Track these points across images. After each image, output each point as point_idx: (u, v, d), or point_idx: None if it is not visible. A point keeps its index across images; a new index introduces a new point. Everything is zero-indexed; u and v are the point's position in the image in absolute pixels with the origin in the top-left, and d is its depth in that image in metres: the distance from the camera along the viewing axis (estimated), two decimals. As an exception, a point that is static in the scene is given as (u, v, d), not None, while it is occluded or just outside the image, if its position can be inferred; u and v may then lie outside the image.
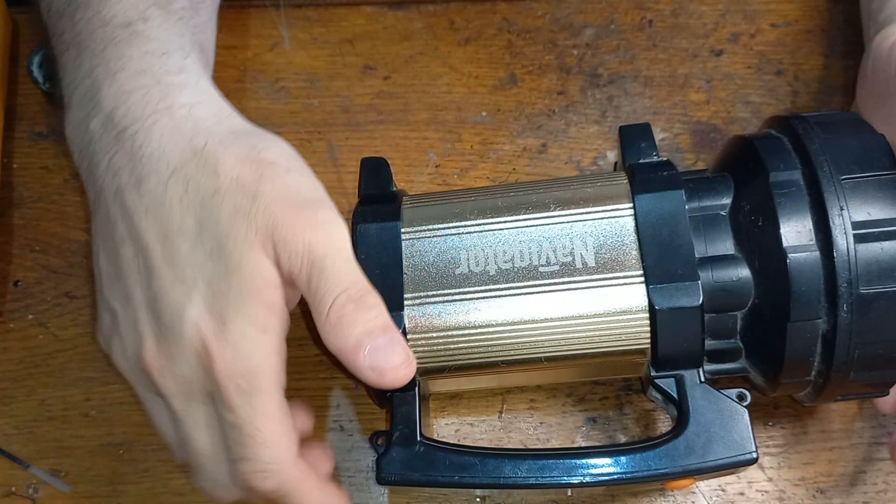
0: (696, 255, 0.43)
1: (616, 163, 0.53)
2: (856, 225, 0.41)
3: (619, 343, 0.43)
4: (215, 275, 0.39)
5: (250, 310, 0.39)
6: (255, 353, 0.39)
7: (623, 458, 0.43)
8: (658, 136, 0.58)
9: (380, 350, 0.39)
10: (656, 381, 0.44)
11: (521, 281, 0.43)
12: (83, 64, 0.43)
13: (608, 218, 0.44)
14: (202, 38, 0.47)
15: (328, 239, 0.39)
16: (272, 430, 0.39)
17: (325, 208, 0.40)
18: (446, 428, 0.52)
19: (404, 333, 0.43)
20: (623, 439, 0.51)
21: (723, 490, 0.50)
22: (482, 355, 0.44)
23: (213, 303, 0.39)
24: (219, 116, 0.42)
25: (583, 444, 0.51)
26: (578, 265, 0.43)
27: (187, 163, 0.40)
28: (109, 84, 0.42)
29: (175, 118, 0.41)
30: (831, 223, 0.41)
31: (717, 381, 0.47)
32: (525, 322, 0.43)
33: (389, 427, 0.44)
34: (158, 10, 0.44)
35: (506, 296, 0.43)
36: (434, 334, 0.43)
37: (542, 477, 0.43)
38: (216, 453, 0.41)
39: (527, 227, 0.44)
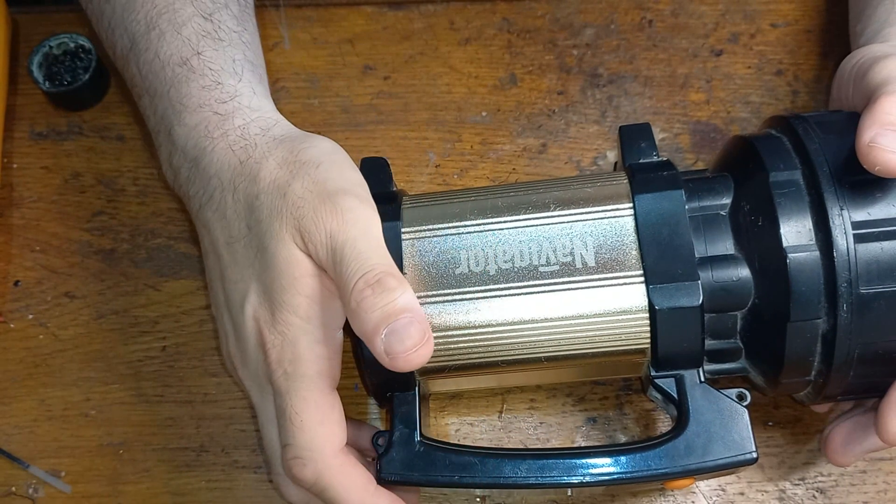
0: (696, 255, 0.43)
1: (616, 163, 0.53)
2: (856, 225, 0.41)
3: (619, 343, 0.43)
4: (262, 270, 0.42)
5: (293, 300, 0.41)
6: (300, 339, 0.41)
7: (623, 458, 0.43)
8: (658, 136, 0.58)
9: (394, 334, 0.39)
10: (656, 381, 0.44)
11: (520, 281, 0.43)
12: (157, 109, 0.48)
13: (608, 218, 0.44)
14: (252, 54, 0.50)
15: (347, 225, 0.41)
16: (311, 415, 0.41)
17: (349, 196, 0.42)
18: (446, 428, 0.52)
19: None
20: (623, 439, 0.51)
21: (723, 490, 0.50)
22: (482, 355, 0.44)
23: (265, 296, 0.42)
24: (267, 128, 0.45)
25: (583, 444, 0.51)
26: (578, 265, 0.43)
27: (236, 176, 0.44)
28: (178, 123, 0.46)
29: (229, 140, 0.45)
30: (831, 223, 0.41)
31: (717, 381, 0.47)
32: (525, 322, 0.43)
33: (389, 427, 0.44)
34: (209, 42, 0.48)
35: (506, 296, 0.43)
36: (434, 334, 0.43)
37: (542, 477, 0.43)
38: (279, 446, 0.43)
39: (527, 227, 0.44)
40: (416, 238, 0.45)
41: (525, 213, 0.45)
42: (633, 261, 0.43)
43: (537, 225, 0.44)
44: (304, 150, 0.43)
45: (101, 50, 0.60)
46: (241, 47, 0.49)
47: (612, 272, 0.43)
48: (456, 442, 0.51)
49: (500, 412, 0.52)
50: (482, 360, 0.44)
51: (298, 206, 0.41)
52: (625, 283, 0.43)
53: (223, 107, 0.46)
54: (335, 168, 0.43)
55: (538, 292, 0.43)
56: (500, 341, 0.43)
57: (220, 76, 0.47)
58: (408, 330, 0.39)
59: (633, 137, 0.47)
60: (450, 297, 0.43)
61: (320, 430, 0.41)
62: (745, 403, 0.43)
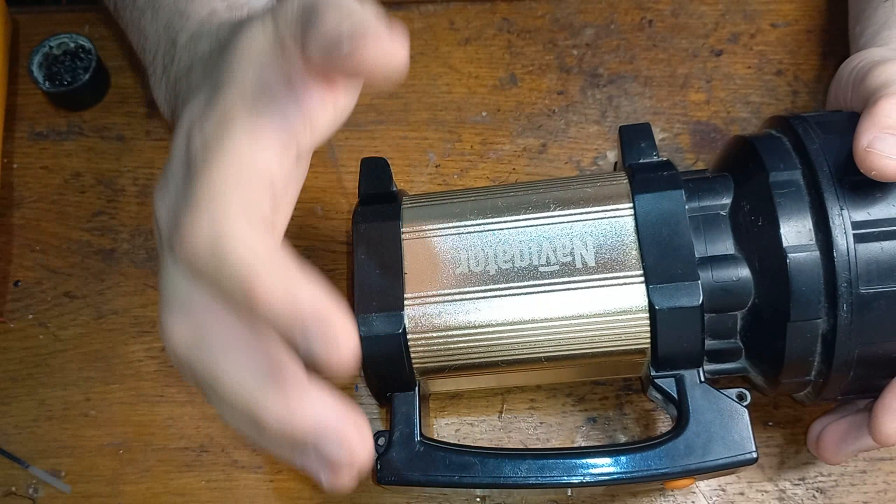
0: (696, 255, 0.43)
1: (616, 163, 0.53)
2: (856, 225, 0.41)
3: (619, 343, 0.43)
4: (213, 75, 0.34)
5: (237, 76, 0.33)
6: (232, 110, 0.32)
7: (623, 458, 0.43)
8: (658, 136, 0.58)
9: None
10: (656, 380, 0.44)
11: (521, 281, 0.43)
12: (159, 18, 0.44)
13: (608, 218, 0.44)
14: None
15: None
16: (226, 159, 0.31)
17: None
18: (446, 428, 0.52)
19: (404, 333, 0.43)
20: (623, 439, 0.51)
21: (723, 490, 0.50)
22: (482, 355, 0.44)
23: (207, 96, 0.34)
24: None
25: (583, 444, 0.51)
26: (578, 265, 0.43)
27: (221, 29, 0.39)
28: (182, 17, 0.42)
29: (232, 16, 0.41)
30: (831, 223, 0.41)
31: (717, 381, 0.47)
32: (525, 322, 0.43)
33: (389, 427, 0.44)
34: None
35: (506, 296, 0.43)
36: (434, 334, 0.43)
37: (542, 477, 0.43)
38: None
39: (527, 226, 0.44)
40: (416, 238, 0.45)
41: (525, 213, 0.45)
42: (633, 261, 0.43)
43: (537, 225, 0.44)
44: None
45: (101, 50, 0.60)
46: None
47: (612, 272, 0.43)
48: (456, 442, 0.51)
49: (500, 412, 0.52)
50: (482, 360, 0.44)
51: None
52: (625, 283, 0.43)
53: (236, 1, 0.42)
54: None
55: (538, 292, 0.43)
56: (500, 341, 0.43)
57: None
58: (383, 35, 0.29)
59: (633, 137, 0.47)
60: (450, 297, 0.43)
61: (239, 187, 0.30)
62: (745, 403, 0.43)
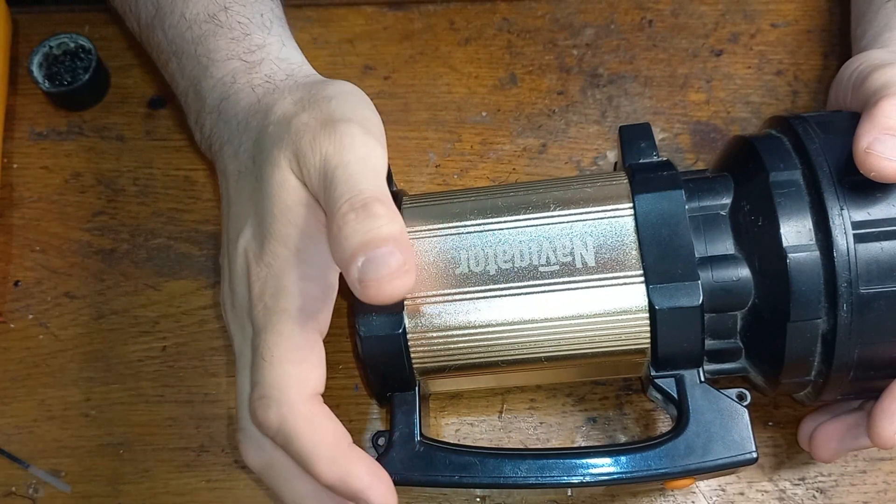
0: (696, 255, 0.43)
1: (616, 163, 0.53)
2: (856, 225, 0.41)
3: (618, 343, 0.43)
4: (258, 201, 0.40)
5: (282, 229, 0.38)
6: (285, 272, 0.38)
7: (623, 458, 0.43)
8: (658, 136, 0.58)
9: (372, 262, 0.34)
10: (656, 380, 0.44)
11: (521, 281, 0.43)
12: (184, 69, 0.47)
13: (608, 218, 0.44)
14: (279, 11, 0.49)
15: (344, 150, 0.38)
16: (284, 352, 0.37)
17: (353, 124, 0.39)
18: (446, 428, 0.52)
19: (404, 333, 0.43)
20: (623, 439, 0.51)
21: (723, 490, 0.50)
22: (482, 355, 0.44)
23: (257, 228, 0.39)
24: (292, 74, 0.44)
25: (583, 444, 0.51)
26: (578, 265, 0.43)
27: (252, 114, 0.42)
28: (205, 77, 0.45)
29: (253, 83, 0.44)
30: (831, 223, 0.41)
31: (717, 381, 0.47)
32: (525, 322, 0.43)
33: (389, 427, 0.44)
34: None
35: (506, 296, 0.43)
36: (434, 334, 0.43)
37: (542, 477, 0.43)
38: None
39: (527, 227, 0.44)
40: (416, 238, 0.45)
41: (525, 213, 0.45)
42: (633, 261, 0.43)
43: (537, 225, 0.44)
44: (322, 88, 0.41)
45: (101, 50, 0.60)
46: (268, 4, 0.48)
47: (612, 272, 0.43)
48: (456, 442, 0.51)
49: (500, 412, 0.52)
50: (482, 360, 0.44)
51: (300, 132, 0.39)
52: (625, 283, 0.43)
53: (251, 56, 0.44)
54: (348, 102, 0.40)
55: (538, 292, 0.43)
56: (500, 341, 0.43)
57: (249, 28, 0.45)
58: (387, 259, 0.34)
59: (633, 137, 0.47)
60: (450, 297, 0.43)
61: (292, 370, 0.37)
62: (745, 403, 0.43)
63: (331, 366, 0.53)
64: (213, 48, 0.45)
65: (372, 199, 0.36)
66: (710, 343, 0.44)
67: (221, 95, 0.44)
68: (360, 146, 0.38)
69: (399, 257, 0.34)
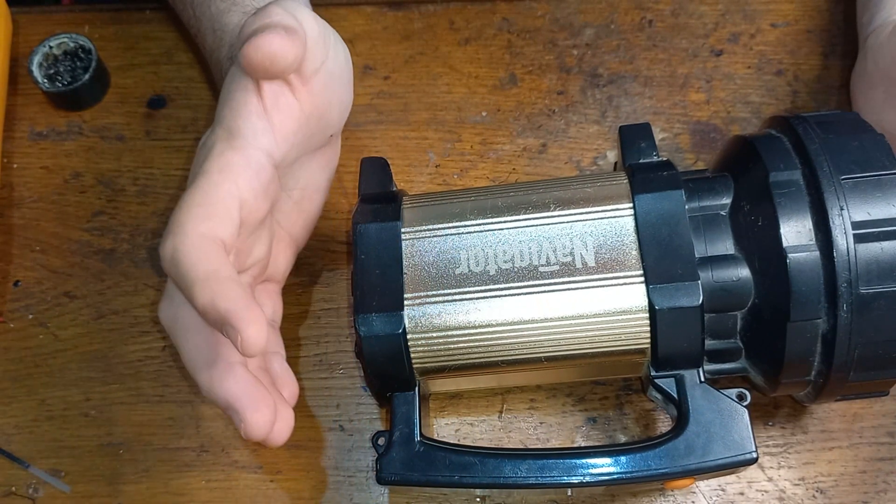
0: (696, 255, 0.43)
1: (616, 163, 0.53)
2: (856, 225, 0.41)
3: (618, 343, 0.43)
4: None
5: (223, 111, 0.44)
6: (215, 145, 0.43)
7: (623, 458, 0.43)
8: (658, 136, 0.58)
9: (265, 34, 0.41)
10: (656, 381, 0.44)
11: (521, 281, 0.43)
12: (214, 19, 0.53)
13: (608, 218, 0.44)
14: None
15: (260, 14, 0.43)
16: (191, 198, 0.41)
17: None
18: (446, 428, 0.52)
19: (404, 333, 0.43)
20: (623, 439, 0.51)
21: (723, 490, 0.50)
22: (482, 355, 0.44)
23: (215, 121, 0.45)
24: None
25: (583, 444, 0.51)
26: (578, 265, 0.43)
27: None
28: (228, 16, 0.52)
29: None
30: (831, 223, 0.41)
31: (717, 381, 0.47)
32: (525, 322, 0.43)
33: (389, 427, 0.44)
34: None
35: (506, 296, 0.43)
36: (434, 334, 0.43)
37: (542, 477, 0.43)
38: None
39: (527, 227, 0.44)
40: (416, 238, 0.45)
41: (525, 213, 0.45)
42: (633, 261, 0.43)
43: (537, 225, 0.44)
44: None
45: (101, 50, 0.60)
46: None
47: (612, 272, 0.43)
48: (456, 442, 0.51)
49: (500, 412, 0.52)
50: (482, 360, 0.44)
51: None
52: (625, 283, 0.43)
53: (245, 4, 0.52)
54: None
55: (538, 292, 0.43)
56: (500, 341, 0.43)
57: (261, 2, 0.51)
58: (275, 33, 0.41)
59: (633, 137, 0.47)
60: (450, 297, 0.44)
61: (195, 211, 0.40)
62: (745, 403, 0.43)
63: (331, 366, 0.54)
64: (227, 21, 0.52)
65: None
66: (709, 343, 0.44)
67: (238, 22, 0.51)
68: (276, 16, 0.43)
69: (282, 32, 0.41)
